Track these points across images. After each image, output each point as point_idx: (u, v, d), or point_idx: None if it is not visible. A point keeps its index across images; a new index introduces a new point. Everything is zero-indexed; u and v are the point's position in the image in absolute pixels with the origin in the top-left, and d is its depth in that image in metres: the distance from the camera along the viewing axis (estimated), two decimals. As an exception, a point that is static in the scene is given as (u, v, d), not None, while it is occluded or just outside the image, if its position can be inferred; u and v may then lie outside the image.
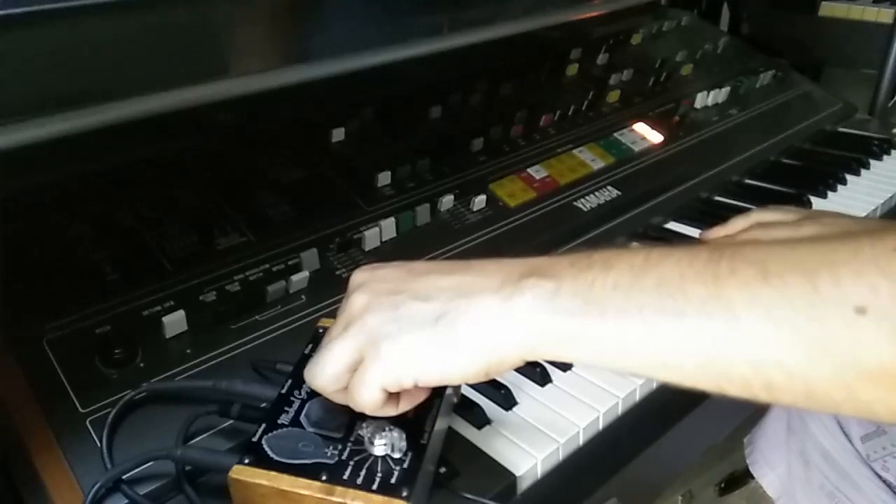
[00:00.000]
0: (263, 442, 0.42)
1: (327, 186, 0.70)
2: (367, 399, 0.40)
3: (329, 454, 0.41)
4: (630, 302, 0.37)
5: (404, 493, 0.39)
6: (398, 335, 0.40)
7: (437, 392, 0.46)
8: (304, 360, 0.48)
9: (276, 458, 0.41)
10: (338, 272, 0.63)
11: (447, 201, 0.71)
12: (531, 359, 0.40)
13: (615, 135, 0.89)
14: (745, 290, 0.34)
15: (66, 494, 0.45)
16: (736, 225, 0.74)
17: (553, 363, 0.58)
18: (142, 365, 0.52)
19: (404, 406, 0.43)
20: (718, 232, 0.74)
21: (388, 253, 0.66)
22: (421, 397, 0.44)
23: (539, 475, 0.49)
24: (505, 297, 0.39)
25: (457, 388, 0.49)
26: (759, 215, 0.74)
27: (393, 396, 0.42)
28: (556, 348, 0.39)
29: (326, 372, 0.41)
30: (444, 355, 0.40)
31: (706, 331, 0.35)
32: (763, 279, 0.34)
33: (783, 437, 0.79)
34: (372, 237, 0.65)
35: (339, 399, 0.43)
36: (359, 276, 0.45)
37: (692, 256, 0.37)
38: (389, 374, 0.40)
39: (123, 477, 0.45)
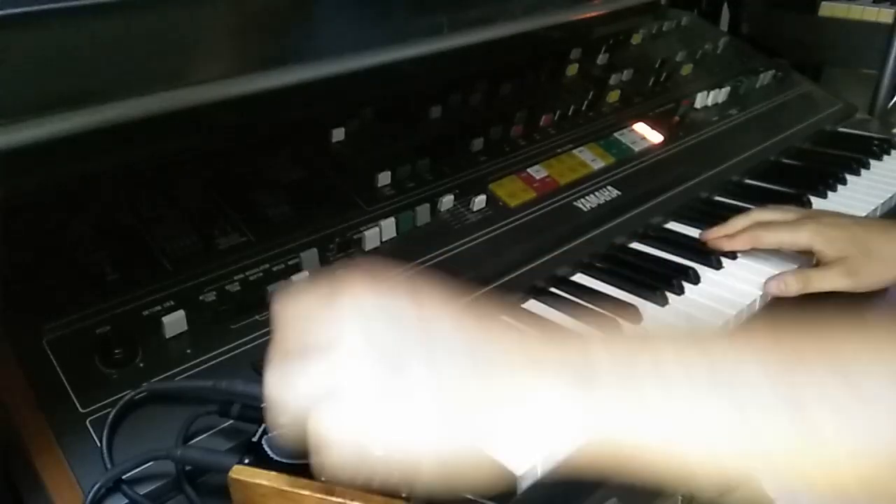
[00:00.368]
0: (263, 442, 0.42)
1: (327, 186, 0.70)
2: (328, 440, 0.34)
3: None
4: (684, 395, 0.32)
5: (404, 493, 0.39)
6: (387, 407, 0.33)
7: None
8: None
9: (276, 458, 0.41)
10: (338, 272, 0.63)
11: (447, 201, 0.71)
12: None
13: (615, 135, 0.89)
14: (824, 398, 0.31)
15: (66, 494, 0.45)
16: (736, 224, 0.74)
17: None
18: (142, 365, 0.52)
19: None
20: (718, 232, 0.75)
21: (389, 253, 0.66)
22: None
23: (539, 475, 0.49)
24: (527, 384, 0.33)
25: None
26: (758, 215, 0.74)
27: None
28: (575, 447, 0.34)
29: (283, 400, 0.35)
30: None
31: (779, 440, 0.31)
32: (843, 383, 0.31)
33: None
34: (372, 237, 0.65)
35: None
36: (352, 296, 0.36)
37: (756, 348, 0.33)
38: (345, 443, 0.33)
39: (123, 477, 0.45)
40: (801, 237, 0.68)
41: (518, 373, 0.34)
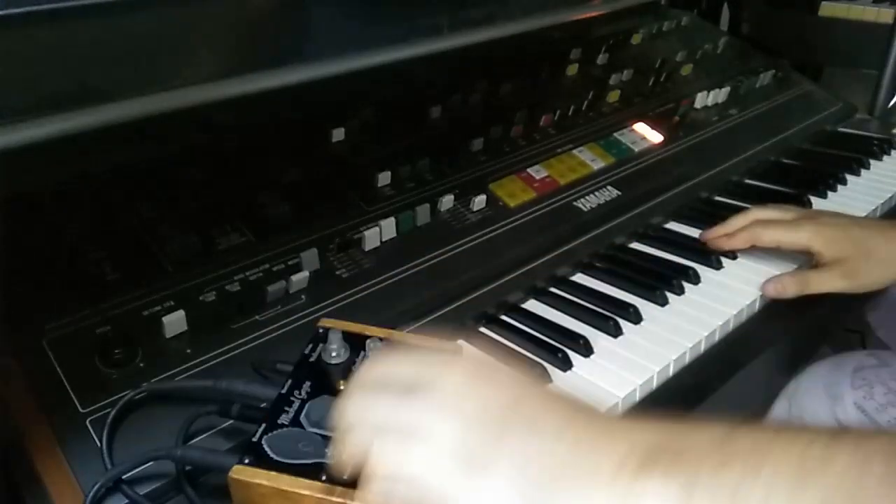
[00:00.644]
0: (263, 442, 0.42)
1: (327, 186, 0.70)
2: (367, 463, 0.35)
3: (329, 454, 0.41)
4: None
5: None
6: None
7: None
8: (305, 360, 0.48)
9: (276, 458, 0.41)
10: (338, 272, 0.63)
11: (447, 201, 0.71)
12: None
13: (615, 135, 0.89)
14: None
15: (66, 494, 0.45)
16: (735, 223, 0.74)
17: (552, 361, 0.58)
18: (142, 365, 0.52)
19: None
20: (717, 231, 0.75)
21: (389, 253, 0.66)
22: None
23: None
24: (621, 495, 0.31)
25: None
26: (757, 213, 0.74)
27: None
28: None
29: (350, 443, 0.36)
30: None
31: None
32: None
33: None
34: (372, 237, 0.65)
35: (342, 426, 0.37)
36: (461, 376, 0.36)
37: (865, 459, 0.29)
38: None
39: (123, 477, 0.45)
40: (800, 237, 0.68)
41: (602, 447, 0.33)
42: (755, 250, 0.74)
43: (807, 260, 0.71)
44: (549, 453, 0.33)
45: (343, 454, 0.36)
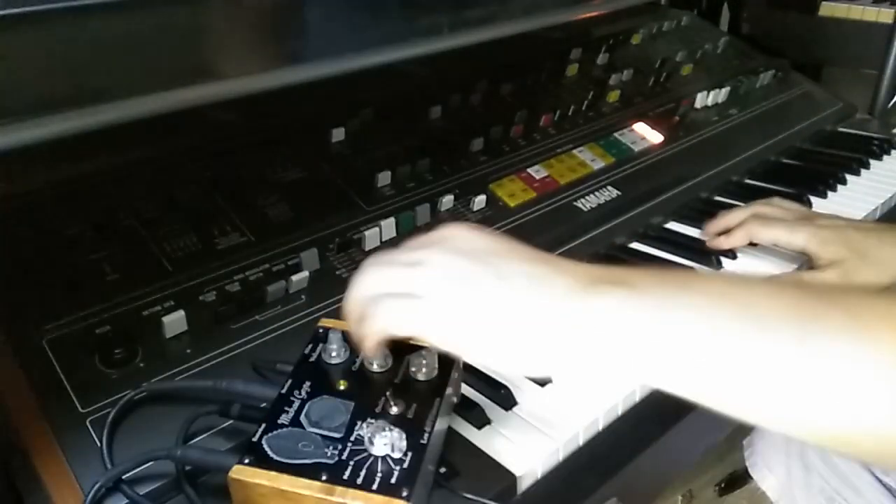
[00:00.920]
0: (263, 442, 0.42)
1: (327, 186, 0.70)
2: (386, 329, 0.41)
3: (329, 454, 0.41)
4: (706, 318, 0.36)
5: (404, 493, 0.39)
6: (462, 304, 0.40)
7: (437, 392, 0.46)
8: (305, 360, 0.48)
9: (276, 457, 0.41)
10: (338, 272, 0.63)
11: (447, 201, 0.71)
12: (586, 365, 0.39)
13: (615, 135, 0.89)
14: (836, 339, 0.34)
15: (66, 494, 0.45)
16: (734, 217, 0.74)
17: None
18: (142, 365, 0.52)
19: (383, 354, 0.46)
20: (717, 226, 0.75)
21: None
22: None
23: (539, 475, 0.49)
24: (574, 299, 0.39)
25: (456, 388, 0.49)
26: (757, 209, 0.74)
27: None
28: (623, 355, 0.38)
29: (379, 289, 0.42)
30: (500, 344, 0.39)
31: (788, 376, 0.34)
32: (857, 332, 0.34)
33: (782, 440, 0.79)
34: (372, 237, 0.65)
35: (355, 318, 0.43)
36: (450, 231, 0.44)
37: (780, 291, 0.37)
38: (434, 334, 0.40)
39: (123, 477, 0.45)
40: (797, 238, 0.68)
41: (569, 293, 0.39)
42: (755, 251, 0.74)
43: (805, 260, 0.71)
44: (532, 268, 0.41)
45: (359, 328, 0.42)
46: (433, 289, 0.41)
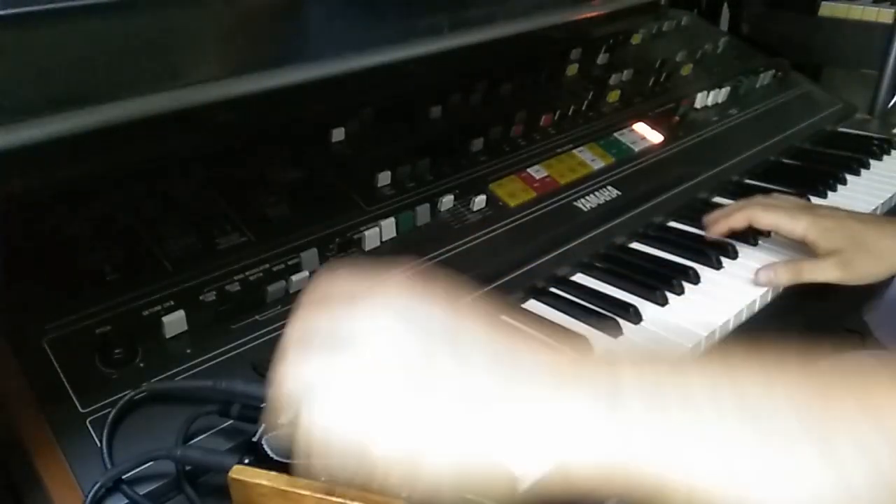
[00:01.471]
0: (263, 442, 0.42)
1: (327, 186, 0.70)
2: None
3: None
4: (709, 418, 0.31)
5: (404, 494, 0.39)
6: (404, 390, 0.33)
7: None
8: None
9: (276, 457, 0.41)
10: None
11: (447, 201, 0.71)
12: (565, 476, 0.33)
13: (615, 135, 0.89)
14: (853, 434, 0.30)
15: (65, 494, 0.45)
16: (736, 204, 0.75)
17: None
18: (142, 365, 0.52)
19: None
20: (717, 218, 0.75)
21: (389, 253, 0.66)
22: None
23: (539, 476, 0.49)
24: (556, 396, 0.33)
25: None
26: (758, 199, 0.75)
27: None
28: (602, 465, 0.32)
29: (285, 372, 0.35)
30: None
31: (802, 473, 0.30)
32: (874, 423, 0.30)
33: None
34: (372, 237, 0.65)
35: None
36: (386, 292, 0.36)
37: (786, 380, 0.32)
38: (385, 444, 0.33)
39: (123, 477, 0.45)
40: (797, 226, 0.69)
41: (543, 382, 0.33)
42: (755, 250, 0.74)
43: (804, 255, 0.71)
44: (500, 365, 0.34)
45: (279, 420, 0.35)
46: (371, 392, 0.33)
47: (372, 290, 0.36)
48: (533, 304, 0.67)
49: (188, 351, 0.53)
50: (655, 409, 0.31)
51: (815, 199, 0.86)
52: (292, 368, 0.35)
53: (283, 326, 0.56)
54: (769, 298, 0.70)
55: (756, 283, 0.69)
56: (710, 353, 0.34)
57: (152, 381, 0.51)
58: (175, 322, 0.54)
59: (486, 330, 0.35)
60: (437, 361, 0.33)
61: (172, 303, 0.56)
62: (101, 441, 0.46)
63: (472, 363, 0.34)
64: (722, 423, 0.31)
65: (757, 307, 0.68)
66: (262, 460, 0.41)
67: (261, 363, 0.52)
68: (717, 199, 0.87)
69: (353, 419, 0.33)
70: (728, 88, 1.01)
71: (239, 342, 0.55)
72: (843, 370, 0.33)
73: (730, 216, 0.73)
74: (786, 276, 0.68)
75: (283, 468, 0.40)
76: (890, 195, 0.88)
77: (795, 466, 0.30)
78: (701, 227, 0.77)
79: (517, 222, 0.73)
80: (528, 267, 0.68)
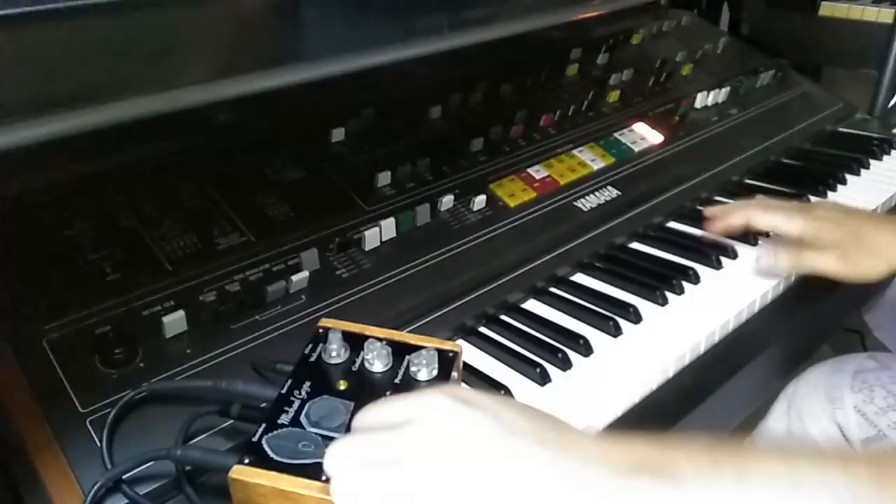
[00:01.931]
0: (264, 442, 0.42)
1: (327, 186, 0.70)
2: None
3: None
4: None
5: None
6: (462, 477, 0.33)
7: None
8: (305, 360, 0.48)
9: (276, 457, 0.41)
10: (338, 272, 0.63)
11: (447, 201, 0.71)
12: None
13: (615, 135, 0.89)
14: None
15: (66, 494, 0.45)
16: (735, 204, 0.75)
17: (552, 361, 0.59)
18: (142, 365, 0.52)
19: None
20: (716, 210, 0.75)
21: (389, 253, 0.66)
22: None
23: None
24: (617, 489, 0.32)
25: (457, 384, 0.49)
26: (758, 199, 0.75)
27: None
28: None
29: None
30: None
31: None
32: None
33: (783, 438, 0.79)
34: (372, 237, 0.65)
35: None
36: (439, 412, 0.36)
37: (848, 476, 0.31)
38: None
39: (123, 477, 0.45)
40: (794, 225, 0.69)
41: (593, 459, 0.33)
42: (755, 250, 0.74)
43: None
44: (536, 479, 0.33)
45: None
46: (417, 452, 0.34)
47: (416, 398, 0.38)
48: (533, 304, 0.67)
49: (188, 351, 0.53)
50: (714, 495, 0.31)
51: (815, 199, 0.86)
52: (341, 447, 0.37)
53: (283, 326, 0.57)
54: (769, 298, 0.70)
55: (758, 265, 0.69)
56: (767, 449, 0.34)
57: (152, 381, 0.51)
58: (175, 322, 0.54)
59: (533, 429, 0.35)
60: (491, 448, 0.34)
61: (172, 303, 0.56)
62: (100, 441, 0.46)
63: (523, 454, 0.34)
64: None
65: (757, 307, 0.68)
66: (263, 460, 0.41)
67: (260, 363, 0.52)
68: (719, 198, 0.86)
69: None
70: (728, 88, 1.01)
71: (239, 342, 0.55)
72: None
73: (727, 217, 0.73)
74: (786, 262, 0.68)
75: (284, 468, 0.40)
76: (890, 195, 0.88)
77: None
78: (701, 227, 0.77)
79: (517, 222, 0.73)
80: (528, 267, 0.68)
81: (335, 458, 0.36)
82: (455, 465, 0.33)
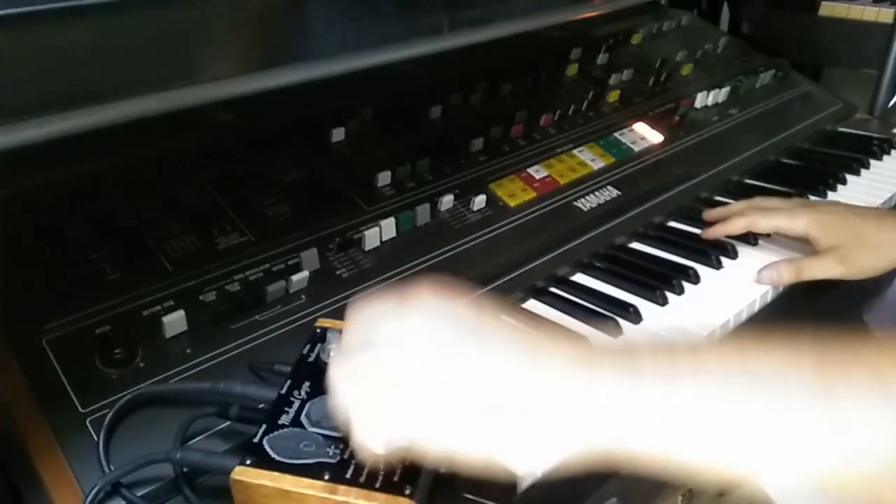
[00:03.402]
0: (265, 442, 0.42)
1: (327, 186, 0.70)
2: (371, 453, 0.37)
3: (331, 453, 0.41)
4: (722, 391, 0.33)
5: (407, 491, 0.39)
6: (448, 391, 0.35)
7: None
8: (303, 360, 0.48)
9: (277, 458, 0.41)
10: (338, 272, 0.63)
11: (447, 201, 0.71)
12: (598, 456, 0.35)
13: (615, 135, 0.89)
14: (859, 401, 0.31)
15: (65, 494, 0.45)
16: (734, 208, 0.75)
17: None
18: (142, 365, 0.52)
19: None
20: (716, 214, 0.75)
21: (389, 253, 0.66)
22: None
23: (539, 475, 0.49)
24: (582, 374, 0.35)
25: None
26: (757, 202, 0.75)
27: None
28: (627, 441, 0.34)
29: (345, 384, 0.37)
30: (492, 433, 0.35)
31: (809, 438, 0.32)
32: (880, 390, 0.31)
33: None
34: (372, 237, 0.65)
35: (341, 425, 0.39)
36: (420, 306, 0.38)
37: (796, 355, 0.33)
38: (424, 442, 0.36)
39: (122, 479, 0.44)
40: (798, 224, 0.69)
41: (564, 366, 0.36)
42: (755, 249, 0.74)
43: (805, 254, 0.71)
44: (522, 352, 0.36)
45: (354, 437, 0.37)
46: (408, 384, 0.36)
47: (402, 300, 0.39)
48: (533, 304, 0.67)
49: (188, 351, 0.53)
50: (669, 387, 0.34)
51: (814, 199, 0.86)
52: (338, 365, 0.38)
53: (283, 326, 0.57)
54: (769, 298, 0.70)
55: (759, 282, 0.69)
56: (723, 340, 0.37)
57: (150, 382, 0.50)
58: (175, 322, 0.54)
59: (508, 325, 0.38)
60: (466, 351, 0.36)
61: (172, 303, 0.56)
62: (98, 443, 0.46)
63: (497, 352, 0.36)
64: (731, 393, 0.33)
65: (757, 307, 0.68)
66: (264, 461, 0.41)
67: (258, 364, 0.52)
68: (719, 198, 0.86)
69: (392, 410, 0.36)
70: (728, 88, 1.01)
71: (239, 342, 0.55)
72: (851, 343, 0.34)
73: (728, 225, 0.73)
74: (788, 275, 0.68)
75: (286, 468, 0.40)
76: (890, 195, 0.88)
77: (803, 436, 0.32)
78: (701, 227, 0.77)
79: (517, 222, 0.73)
80: (528, 267, 0.68)
81: (339, 396, 0.37)
82: (437, 362, 0.36)
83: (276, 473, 0.40)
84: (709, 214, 0.76)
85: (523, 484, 0.48)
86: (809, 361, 0.33)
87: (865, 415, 0.31)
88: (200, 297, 0.57)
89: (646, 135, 0.90)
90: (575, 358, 0.36)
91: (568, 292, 0.68)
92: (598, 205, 0.78)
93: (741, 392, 0.33)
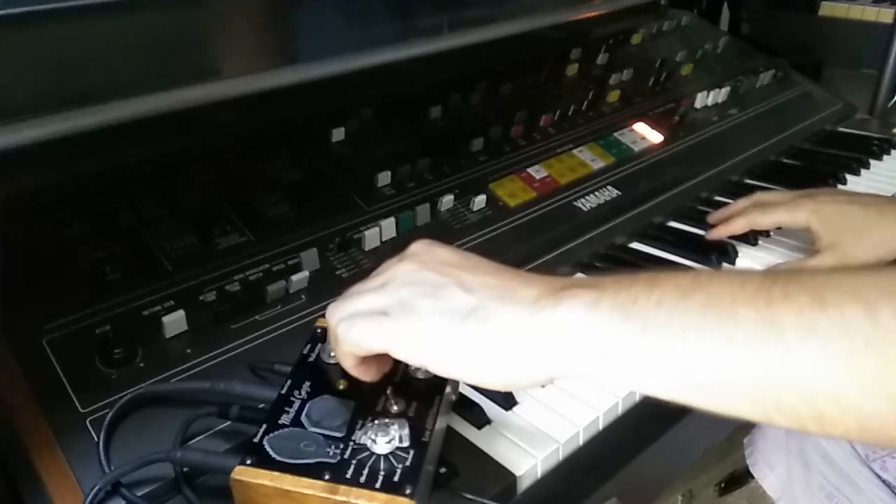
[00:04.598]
0: (265, 442, 0.42)
1: (327, 186, 0.70)
2: (357, 346, 0.41)
3: (331, 453, 0.41)
4: (674, 321, 0.35)
5: (408, 491, 0.39)
6: (427, 315, 0.40)
7: (437, 390, 0.46)
8: (303, 360, 0.48)
9: (278, 458, 0.41)
10: (338, 272, 0.63)
11: (447, 201, 0.71)
12: (558, 376, 0.39)
13: (615, 135, 0.89)
14: (800, 317, 0.32)
15: (65, 494, 0.45)
16: (735, 207, 0.75)
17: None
18: (142, 365, 0.52)
19: (372, 373, 0.44)
20: (720, 215, 0.75)
21: (389, 253, 0.65)
22: (387, 366, 0.45)
23: (539, 475, 0.49)
24: (541, 307, 0.38)
25: (455, 386, 0.49)
26: (758, 197, 0.75)
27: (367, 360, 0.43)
28: (588, 365, 0.37)
29: (349, 311, 0.42)
30: (465, 356, 0.39)
31: (755, 357, 0.33)
32: (819, 308, 0.32)
33: (783, 438, 0.79)
34: (372, 237, 0.65)
35: (334, 342, 0.43)
36: (416, 247, 0.45)
37: (744, 279, 0.35)
38: (400, 345, 0.40)
39: (122, 479, 0.44)
40: (799, 216, 0.69)
41: (538, 286, 0.40)
42: (755, 249, 0.74)
43: (805, 257, 0.71)
44: (498, 279, 0.41)
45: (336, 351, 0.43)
46: (398, 303, 0.41)
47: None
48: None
49: (188, 351, 0.53)
50: (632, 316, 0.36)
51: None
52: (337, 302, 0.44)
53: (283, 326, 0.57)
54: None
55: None
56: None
57: (150, 381, 0.50)
58: (175, 322, 0.54)
59: (489, 262, 0.44)
60: (447, 273, 0.41)
61: (172, 303, 0.56)
62: (98, 443, 0.46)
63: (478, 273, 0.42)
64: (688, 322, 0.35)
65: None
66: (265, 461, 0.41)
67: (258, 364, 0.52)
68: (719, 198, 0.86)
69: (377, 317, 0.41)
70: (728, 88, 1.01)
71: (239, 342, 0.55)
72: (797, 272, 0.36)
73: (730, 225, 0.73)
74: None
75: (286, 468, 0.40)
76: (890, 195, 0.88)
77: (753, 358, 0.33)
78: (701, 227, 0.77)
79: (517, 222, 0.73)
80: (528, 267, 0.68)
81: (337, 311, 0.43)
82: (424, 312, 0.40)
83: (276, 473, 0.40)
84: (712, 217, 0.76)
85: (523, 484, 0.48)
86: (759, 287, 0.35)
87: (808, 336, 0.32)
88: (200, 297, 0.57)
89: (646, 135, 0.90)
90: (544, 288, 0.39)
91: (568, 292, 0.68)
92: (598, 205, 0.78)
93: (691, 319, 0.35)
